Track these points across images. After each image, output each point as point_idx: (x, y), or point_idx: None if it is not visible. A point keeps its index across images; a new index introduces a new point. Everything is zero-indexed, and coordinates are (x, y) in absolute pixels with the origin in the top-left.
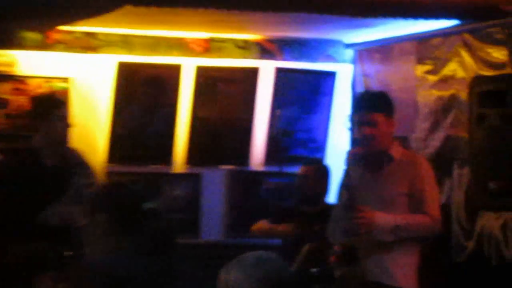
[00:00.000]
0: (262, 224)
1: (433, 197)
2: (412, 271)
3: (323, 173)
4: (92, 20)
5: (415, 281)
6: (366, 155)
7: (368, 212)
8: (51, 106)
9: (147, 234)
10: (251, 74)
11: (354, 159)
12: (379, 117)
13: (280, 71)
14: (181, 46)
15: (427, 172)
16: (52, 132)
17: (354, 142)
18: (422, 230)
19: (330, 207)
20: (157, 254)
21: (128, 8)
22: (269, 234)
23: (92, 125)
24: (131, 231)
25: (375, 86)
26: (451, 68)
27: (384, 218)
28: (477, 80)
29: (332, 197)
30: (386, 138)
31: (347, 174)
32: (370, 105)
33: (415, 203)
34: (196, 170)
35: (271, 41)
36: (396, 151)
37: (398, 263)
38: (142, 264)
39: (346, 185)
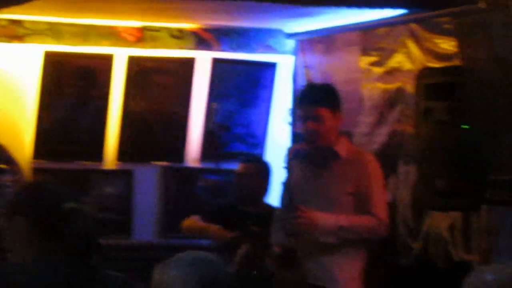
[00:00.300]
0: (193, 222)
1: (380, 198)
2: (357, 275)
3: (263, 171)
4: (18, 7)
5: (360, 286)
6: (311, 151)
7: (309, 212)
8: None
9: (67, 238)
10: (187, 65)
11: (296, 156)
12: (325, 112)
13: (217, 62)
14: (113, 36)
15: (374, 171)
16: None
17: (296, 137)
18: (367, 232)
19: (269, 207)
20: (78, 259)
21: None
22: (199, 234)
23: (17, 119)
24: (49, 235)
25: (317, 78)
26: (397, 59)
27: (326, 219)
28: (424, 72)
29: (272, 196)
30: (332, 134)
31: (289, 172)
32: (315, 99)
33: (361, 204)
34: (128, 166)
35: (207, 30)
36: (342, 147)
37: (342, 267)
38: (62, 271)
39: (287, 184)
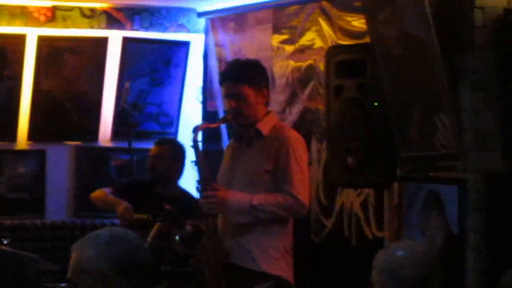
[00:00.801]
0: (103, 194)
1: (299, 177)
2: (279, 254)
3: (177, 153)
4: None
5: (285, 265)
6: (236, 129)
7: (221, 192)
8: None
9: None
10: (99, 45)
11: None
12: (247, 90)
13: (128, 41)
14: (24, 15)
15: (294, 149)
16: None
17: (208, 116)
18: (283, 212)
19: (180, 189)
20: None
21: None
22: (106, 206)
23: None
24: None
25: (229, 56)
26: (309, 37)
27: (238, 198)
28: (334, 49)
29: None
30: (256, 111)
31: (198, 151)
32: (237, 76)
33: (280, 182)
34: (40, 146)
35: (119, 9)
36: (266, 125)
37: (261, 246)
38: None
39: (199, 162)
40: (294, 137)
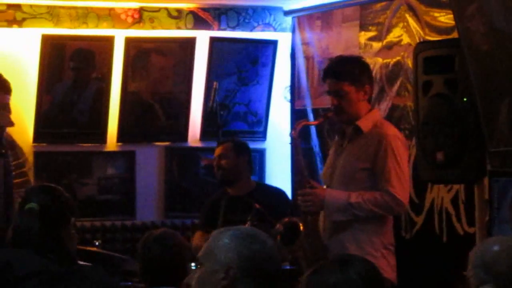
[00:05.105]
0: (199, 240)
1: (398, 175)
2: (378, 253)
3: (239, 148)
4: None
5: (385, 263)
6: (336, 127)
7: (318, 189)
8: None
9: None
10: (187, 45)
11: (299, 134)
12: (347, 87)
13: (215, 41)
14: (111, 17)
15: (393, 146)
16: None
17: (295, 114)
18: (380, 210)
19: (255, 183)
20: None
21: None
22: None
23: (18, 103)
24: None
25: (316, 54)
26: (396, 34)
27: (335, 196)
28: (422, 46)
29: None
30: (357, 108)
31: (296, 148)
32: (338, 73)
33: (378, 180)
34: (129, 147)
35: (205, 9)
36: (367, 122)
37: (359, 244)
38: None
39: (297, 159)
40: (393, 134)
